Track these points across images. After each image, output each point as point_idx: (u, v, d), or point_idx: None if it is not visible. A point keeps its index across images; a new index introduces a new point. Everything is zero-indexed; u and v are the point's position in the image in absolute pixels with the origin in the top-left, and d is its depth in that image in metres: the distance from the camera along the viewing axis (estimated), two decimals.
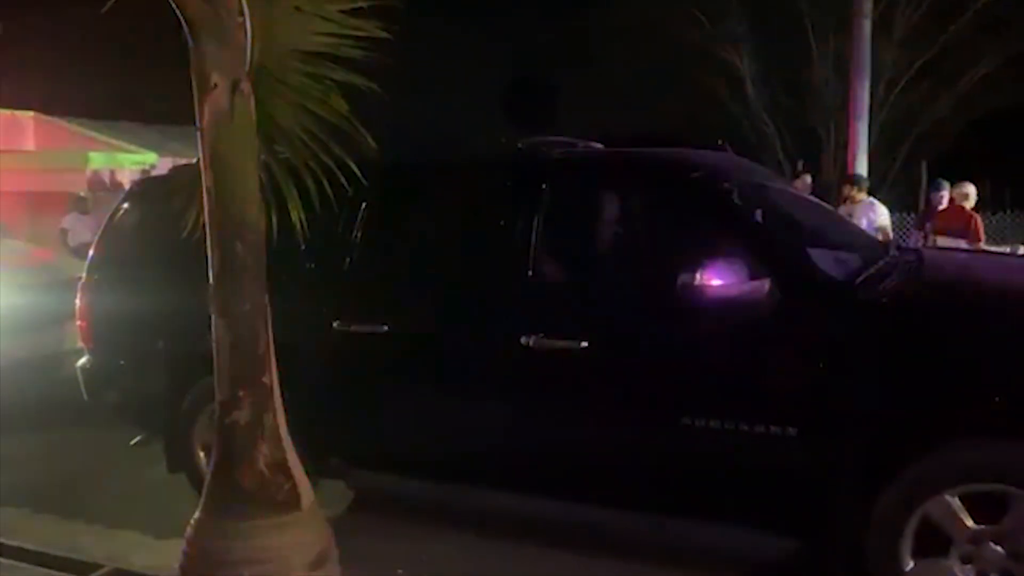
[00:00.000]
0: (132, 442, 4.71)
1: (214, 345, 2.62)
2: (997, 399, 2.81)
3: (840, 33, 12.67)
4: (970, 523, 2.85)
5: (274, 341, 2.70)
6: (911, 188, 14.07)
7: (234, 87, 2.49)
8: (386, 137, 3.12)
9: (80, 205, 11.56)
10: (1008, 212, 11.70)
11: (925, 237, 7.91)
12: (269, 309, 2.67)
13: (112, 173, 14.66)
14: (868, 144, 10.57)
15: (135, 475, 4.86)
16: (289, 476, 2.65)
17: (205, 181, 2.55)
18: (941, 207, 7.86)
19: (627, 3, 14.19)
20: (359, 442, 4.02)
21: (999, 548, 2.84)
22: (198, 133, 2.53)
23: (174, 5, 2.42)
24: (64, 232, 11.02)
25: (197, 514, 2.67)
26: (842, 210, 7.11)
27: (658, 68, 14.68)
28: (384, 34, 2.75)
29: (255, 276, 2.59)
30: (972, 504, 2.85)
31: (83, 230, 10.65)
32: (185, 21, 2.45)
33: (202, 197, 2.59)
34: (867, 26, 10.19)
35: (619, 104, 16.87)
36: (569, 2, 17.27)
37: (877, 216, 7.77)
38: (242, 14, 2.50)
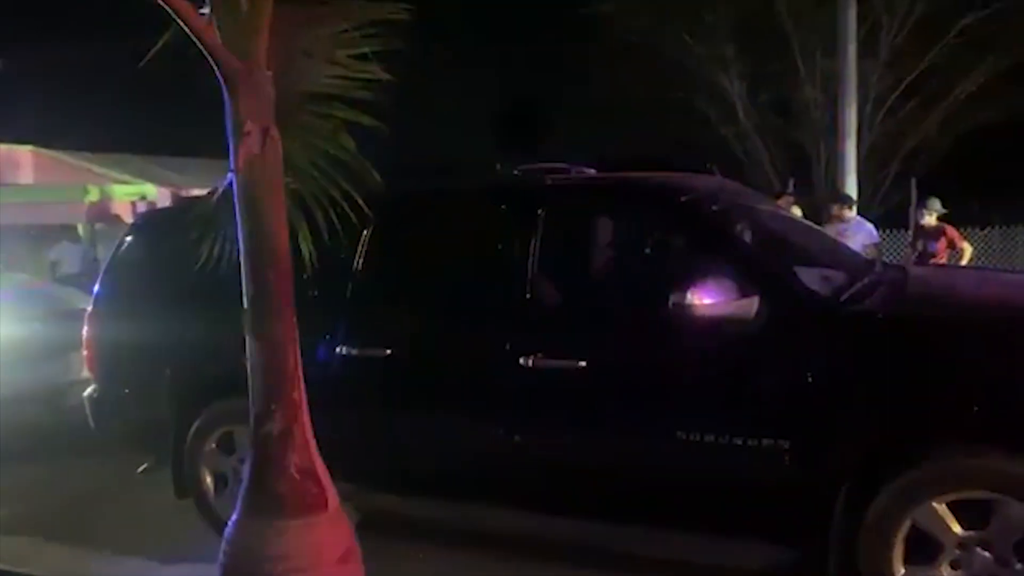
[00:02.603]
0: (139, 469, 4.77)
1: (248, 363, 2.84)
2: (978, 409, 2.92)
3: (827, 54, 12.87)
4: (957, 529, 2.94)
5: None
6: (902, 206, 14.21)
7: (265, 133, 2.74)
8: (387, 166, 3.27)
9: (70, 234, 11.57)
10: (996, 227, 11.82)
11: (919, 255, 8.18)
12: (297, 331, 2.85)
13: (110, 205, 14.75)
14: (857, 163, 10.72)
15: (143, 502, 4.92)
16: (317, 481, 2.88)
17: (240, 217, 2.79)
18: (923, 223, 8.31)
19: (618, 27, 14.38)
20: (364, 464, 4.09)
21: (987, 553, 2.93)
22: (232, 174, 2.77)
23: (213, 64, 2.67)
24: (53, 264, 11.01)
25: (235, 516, 2.90)
26: (830, 229, 7.23)
27: (649, 91, 14.85)
28: (388, 76, 2.98)
29: (285, 300, 2.81)
30: (960, 511, 2.94)
31: (72, 260, 10.66)
32: (222, 77, 2.70)
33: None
34: (852, 49, 10.38)
35: (612, 128, 17.05)
36: (561, 28, 17.53)
37: (866, 234, 7.92)
38: (270, 68, 2.69)
